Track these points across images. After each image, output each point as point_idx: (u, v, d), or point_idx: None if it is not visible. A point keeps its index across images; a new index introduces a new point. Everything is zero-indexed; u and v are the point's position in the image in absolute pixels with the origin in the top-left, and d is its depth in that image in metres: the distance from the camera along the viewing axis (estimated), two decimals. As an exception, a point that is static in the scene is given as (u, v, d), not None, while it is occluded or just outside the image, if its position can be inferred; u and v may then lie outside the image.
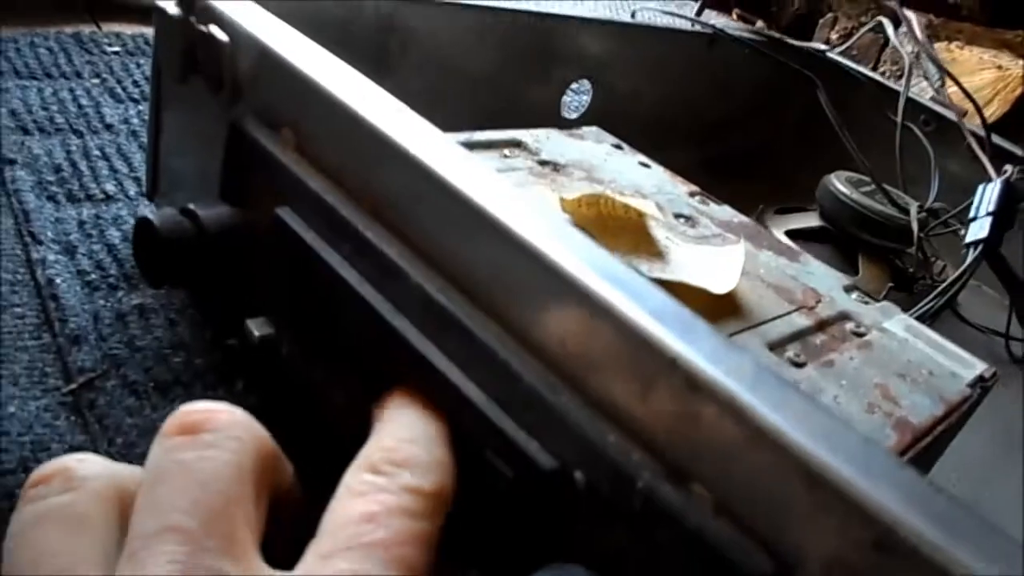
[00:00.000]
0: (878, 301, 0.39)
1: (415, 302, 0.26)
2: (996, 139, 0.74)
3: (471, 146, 0.40)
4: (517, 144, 0.42)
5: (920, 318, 0.48)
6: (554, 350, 0.24)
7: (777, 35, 0.73)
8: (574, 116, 0.61)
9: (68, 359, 0.35)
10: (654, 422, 0.22)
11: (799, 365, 0.32)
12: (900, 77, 1.30)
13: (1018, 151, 0.73)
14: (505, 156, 0.41)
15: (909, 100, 0.72)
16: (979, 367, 0.36)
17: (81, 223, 0.42)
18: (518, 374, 0.24)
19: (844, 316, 0.37)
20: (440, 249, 0.27)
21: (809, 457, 0.19)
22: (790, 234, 0.66)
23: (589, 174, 0.41)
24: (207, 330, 0.37)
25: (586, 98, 0.61)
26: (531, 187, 0.38)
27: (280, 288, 0.31)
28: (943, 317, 0.68)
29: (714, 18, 0.73)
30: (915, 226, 0.60)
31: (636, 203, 0.37)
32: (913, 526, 0.17)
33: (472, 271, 0.26)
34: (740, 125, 0.74)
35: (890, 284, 0.63)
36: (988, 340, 0.66)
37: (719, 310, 0.33)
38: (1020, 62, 1.12)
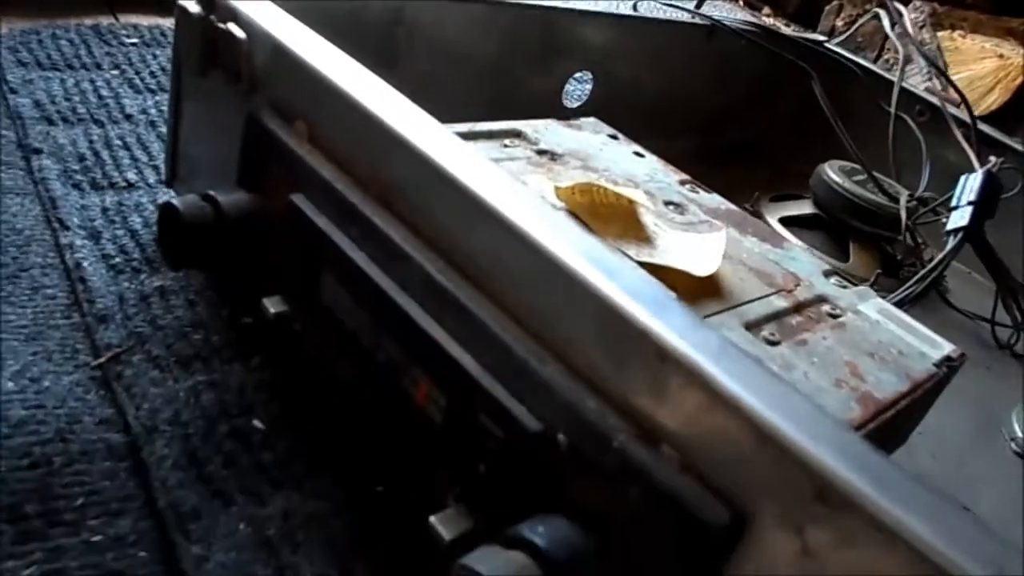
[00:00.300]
0: (856, 285, 0.42)
1: (418, 282, 0.29)
2: (987, 129, 0.75)
3: (474, 136, 0.43)
4: (517, 134, 0.45)
5: (900, 303, 0.50)
6: (541, 325, 0.26)
7: (773, 26, 0.74)
8: (576, 105, 0.63)
9: (96, 336, 0.37)
10: (628, 389, 0.24)
11: (773, 343, 0.34)
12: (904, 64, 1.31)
13: (1008, 140, 0.75)
14: (505, 146, 0.43)
15: (904, 91, 0.74)
16: (947, 348, 0.39)
17: (105, 210, 0.44)
18: (509, 347, 0.26)
19: (821, 299, 0.39)
20: (441, 234, 0.29)
21: (761, 420, 0.21)
22: (784, 221, 0.68)
23: (585, 163, 0.44)
24: (224, 309, 0.40)
25: (588, 87, 0.64)
26: (529, 176, 0.40)
27: (294, 269, 0.33)
28: (933, 303, 0.70)
29: (714, 10, 0.74)
30: (903, 214, 0.62)
31: (626, 192, 0.39)
32: (849, 480, 0.20)
33: (469, 254, 0.28)
34: (738, 114, 0.76)
35: (879, 270, 0.65)
36: (976, 325, 0.68)
37: (701, 292, 0.35)
38: (1021, 51, 1.13)
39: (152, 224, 0.44)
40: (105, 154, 0.49)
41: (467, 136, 0.42)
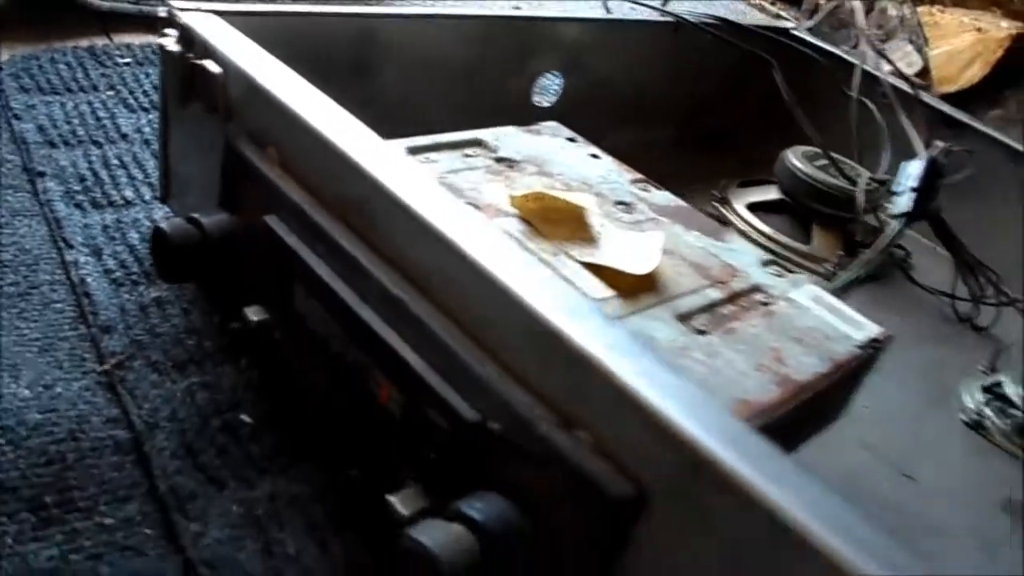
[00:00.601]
0: (793, 273, 0.45)
1: (376, 294, 0.33)
2: (948, 109, 0.78)
3: (437, 147, 0.46)
4: (478, 143, 0.48)
5: (846, 286, 0.54)
6: (479, 330, 0.30)
7: (760, 5, 0.76)
8: (547, 104, 0.67)
9: (101, 345, 0.42)
10: (550, 384, 0.28)
11: (703, 332, 0.38)
12: (885, 41, 1.33)
13: (968, 120, 0.77)
14: (466, 155, 0.46)
15: (868, 75, 0.76)
16: (873, 330, 0.42)
17: (105, 227, 0.49)
18: (453, 350, 0.30)
19: (755, 288, 0.42)
20: (393, 250, 0.33)
21: (652, 408, 0.25)
22: (751, 206, 0.72)
23: (541, 168, 0.47)
24: (215, 317, 0.44)
25: (558, 87, 0.67)
26: (486, 184, 0.44)
27: (271, 282, 0.38)
28: (896, 279, 0.73)
29: (684, 4, 0.77)
30: (861, 197, 0.65)
31: (575, 197, 0.43)
32: (720, 459, 0.24)
33: (418, 268, 0.32)
34: (710, 105, 0.79)
35: (840, 251, 0.68)
36: (940, 300, 0.71)
37: (640, 287, 0.39)
38: (1002, 24, 1.14)
39: (149, 239, 0.48)
40: (104, 174, 0.53)
41: (430, 148, 0.46)
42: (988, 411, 0.57)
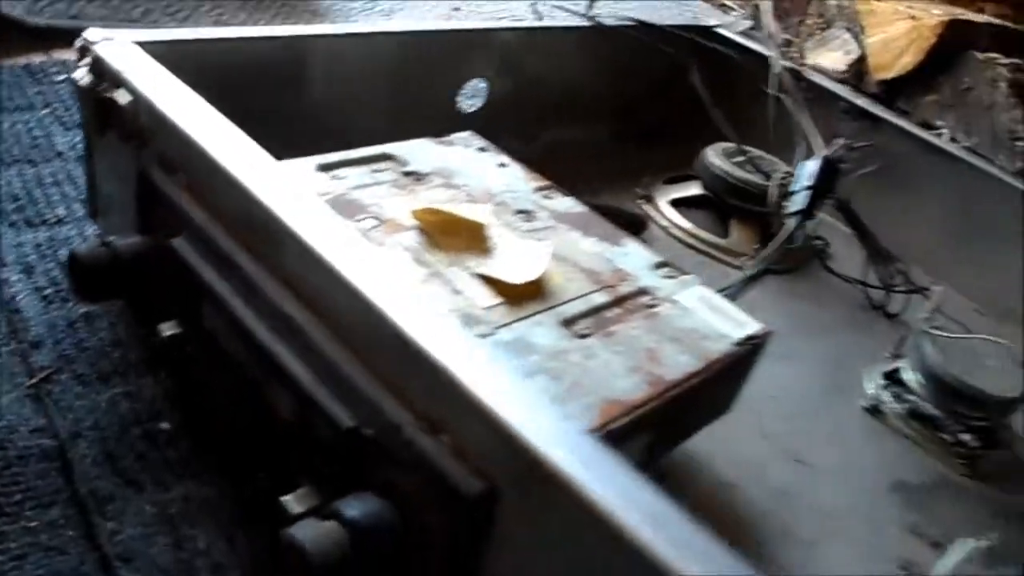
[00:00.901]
0: (686, 275, 0.48)
1: (269, 312, 0.36)
2: (864, 103, 0.81)
3: (347, 163, 0.49)
4: (388, 158, 0.51)
5: (753, 279, 0.57)
6: (358, 345, 0.33)
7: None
8: (473, 110, 0.69)
9: (31, 360, 0.44)
10: (417, 393, 0.31)
11: (584, 336, 0.41)
12: (825, 29, 1.36)
13: (881, 112, 0.81)
14: (375, 171, 0.49)
15: (790, 70, 0.79)
16: (753, 328, 0.45)
17: (38, 245, 0.51)
18: (336, 363, 0.33)
19: (643, 291, 0.46)
20: (284, 270, 0.36)
21: (497, 416, 0.28)
22: (674, 202, 0.75)
23: (448, 180, 0.50)
24: (140, 330, 0.47)
25: (485, 92, 0.70)
26: (390, 199, 0.46)
27: (181, 300, 0.40)
28: (813, 268, 0.77)
29: (608, 7, 0.80)
30: (774, 191, 0.69)
31: (471, 210, 0.46)
32: (549, 461, 0.27)
33: (304, 286, 0.35)
34: (640, 103, 0.82)
35: (756, 245, 0.72)
36: (856, 289, 0.75)
37: (528, 294, 0.42)
38: (935, 11, 1.17)
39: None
40: (37, 192, 0.55)
41: (340, 164, 0.49)
42: (885, 396, 0.60)
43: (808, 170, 0.60)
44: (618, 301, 0.44)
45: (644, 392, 0.39)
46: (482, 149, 0.55)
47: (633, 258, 0.48)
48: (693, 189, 0.76)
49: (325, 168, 0.48)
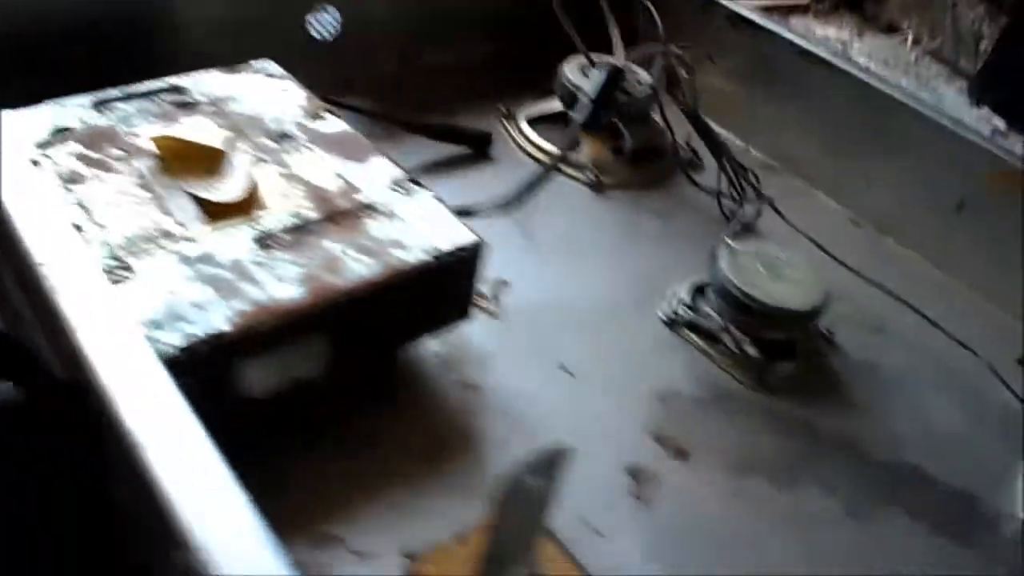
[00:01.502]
0: (423, 190, 0.51)
1: None
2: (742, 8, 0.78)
3: (128, 97, 0.54)
4: (175, 89, 0.56)
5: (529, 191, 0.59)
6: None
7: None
8: (325, 36, 0.72)
9: None
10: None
11: (270, 248, 0.45)
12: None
13: (761, 20, 0.77)
14: (154, 102, 0.54)
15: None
16: (466, 239, 0.48)
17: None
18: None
19: (367, 207, 0.49)
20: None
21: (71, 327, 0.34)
22: (532, 120, 0.76)
23: (219, 109, 0.54)
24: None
25: (335, 20, 0.72)
26: (147, 128, 0.51)
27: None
28: (676, 179, 0.76)
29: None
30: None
31: (210, 138, 0.50)
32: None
33: None
34: (511, 22, 0.82)
35: (606, 158, 0.72)
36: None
37: (235, 212, 0.46)
38: None
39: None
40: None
41: (121, 98, 0.54)
42: (681, 309, 0.61)
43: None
44: (332, 217, 0.48)
45: (304, 298, 0.43)
46: (270, 75, 0.59)
47: (373, 176, 0.52)
48: (555, 105, 0.76)
49: (100, 103, 0.53)
